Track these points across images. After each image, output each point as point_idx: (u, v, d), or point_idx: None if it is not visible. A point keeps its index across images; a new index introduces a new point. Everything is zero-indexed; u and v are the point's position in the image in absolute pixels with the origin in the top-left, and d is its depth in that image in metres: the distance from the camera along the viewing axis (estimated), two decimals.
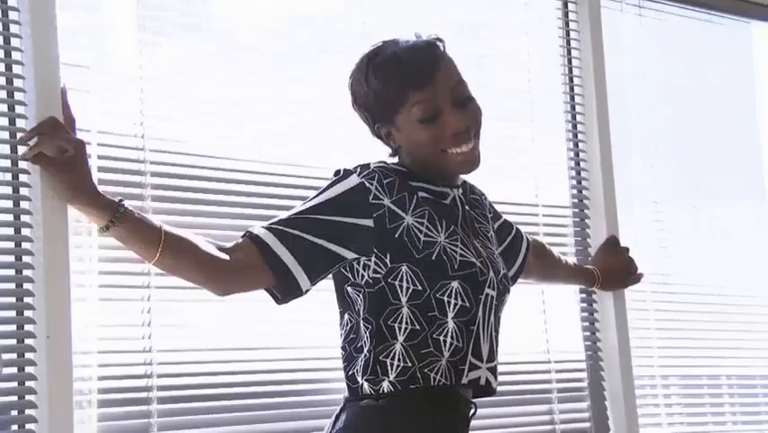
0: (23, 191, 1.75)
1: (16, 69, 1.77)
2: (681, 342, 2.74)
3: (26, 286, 1.74)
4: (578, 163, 2.58)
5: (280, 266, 1.67)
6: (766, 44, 3.12)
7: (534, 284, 2.35)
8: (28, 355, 1.73)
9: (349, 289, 1.73)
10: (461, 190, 1.82)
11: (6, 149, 1.76)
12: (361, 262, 1.70)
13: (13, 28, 1.78)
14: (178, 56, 2.02)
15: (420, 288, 1.68)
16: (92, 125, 1.84)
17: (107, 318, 1.83)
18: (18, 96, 1.77)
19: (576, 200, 2.56)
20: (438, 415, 1.69)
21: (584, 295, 2.53)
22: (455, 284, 1.69)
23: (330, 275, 1.73)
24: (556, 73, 2.59)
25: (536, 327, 2.43)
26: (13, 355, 1.73)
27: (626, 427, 2.49)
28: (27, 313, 1.74)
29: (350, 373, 1.71)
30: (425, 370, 1.67)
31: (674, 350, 2.72)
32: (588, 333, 2.52)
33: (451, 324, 1.69)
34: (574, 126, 2.59)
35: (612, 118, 2.60)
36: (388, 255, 1.68)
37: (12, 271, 1.75)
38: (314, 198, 1.71)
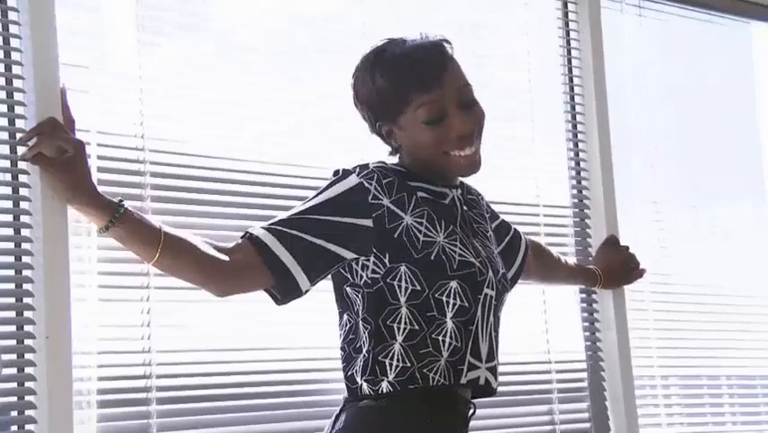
0: (23, 192, 1.75)
1: (16, 69, 1.77)
2: (680, 342, 2.74)
3: (26, 286, 1.74)
4: (578, 163, 2.58)
5: (280, 267, 1.67)
6: (766, 44, 3.12)
7: (535, 285, 2.35)
8: (28, 356, 1.73)
9: (348, 289, 1.72)
10: (459, 191, 1.82)
11: (6, 149, 1.76)
12: (360, 263, 1.69)
13: (13, 28, 1.78)
14: (177, 56, 2.01)
15: (419, 288, 1.68)
16: (91, 126, 1.84)
17: (107, 319, 1.83)
18: (17, 96, 1.77)
19: (576, 200, 2.56)
20: (437, 415, 1.69)
21: (584, 295, 2.52)
22: (454, 284, 1.69)
23: (329, 275, 1.73)
24: (556, 73, 2.58)
25: (537, 327, 2.43)
26: (13, 356, 1.73)
27: (626, 427, 2.49)
28: (27, 314, 1.74)
29: (349, 373, 1.71)
30: (424, 370, 1.67)
31: (674, 350, 2.72)
32: (588, 333, 2.52)
33: (450, 324, 1.69)
34: (574, 126, 2.59)
35: (612, 118, 2.60)
36: (387, 255, 1.68)
37: (11, 272, 1.75)
38: (313, 198, 1.71)
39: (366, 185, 1.70)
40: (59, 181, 1.66)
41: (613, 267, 2.44)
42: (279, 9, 2.18)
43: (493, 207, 2.06)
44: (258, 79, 2.09)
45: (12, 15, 1.78)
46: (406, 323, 1.68)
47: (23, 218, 1.75)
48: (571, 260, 2.43)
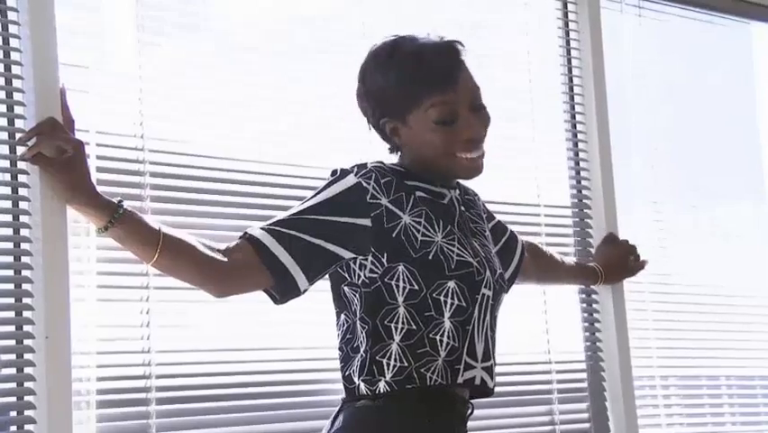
0: (22, 192, 1.75)
1: (15, 69, 1.77)
2: (680, 342, 2.74)
3: (25, 287, 1.74)
4: (578, 163, 2.57)
5: (278, 266, 1.67)
6: (766, 45, 3.12)
7: (536, 286, 2.35)
8: (27, 356, 1.73)
9: (345, 288, 1.72)
10: (457, 191, 1.82)
11: (5, 149, 1.76)
12: (358, 262, 1.69)
13: (12, 28, 1.78)
14: (177, 56, 2.01)
15: (417, 287, 1.68)
16: (91, 126, 1.83)
17: (106, 319, 1.83)
18: (17, 96, 1.76)
19: (576, 200, 2.56)
20: (435, 415, 1.69)
21: (584, 296, 2.52)
22: (452, 284, 1.69)
23: (327, 275, 1.73)
24: (556, 73, 2.58)
25: (537, 327, 2.43)
26: (12, 356, 1.73)
27: (626, 427, 2.49)
28: (26, 314, 1.74)
29: (346, 373, 1.71)
30: (422, 370, 1.67)
31: (674, 350, 2.72)
32: (588, 333, 2.52)
33: (447, 323, 1.69)
34: (574, 126, 2.59)
35: (612, 118, 2.60)
36: (386, 255, 1.68)
37: (11, 272, 1.75)
38: (311, 198, 1.71)
39: (364, 184, 1.70)
40: (59, 181, 1.66)
41: (613, 261, 2.44)
42: (279, 9, 2.18)
43: (493, 207, 2.06)
44: (258, 79, 2.09)
45: (11, 15, 1.78)
46: (403, 323, 1.68)
47: (23, 218, 1.75)
48: (570, 259, 2.43)
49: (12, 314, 1.74)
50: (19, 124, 1.75)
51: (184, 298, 1.87)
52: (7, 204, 1.75)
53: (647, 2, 2.82)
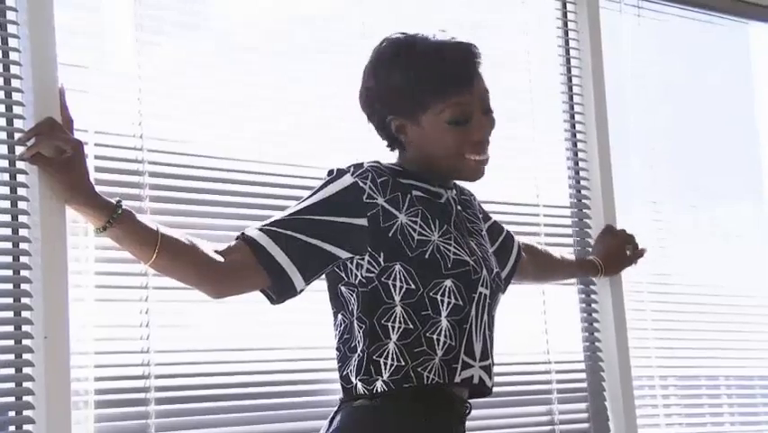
0: (21, 191, 1.75)
1: (14, 69, 1.77)
2: (679, 342, 2.74)
3: (24, 287, 1.74)
4: (577, 163, 2.58)
5: (275, 267, 1.66)
6: (764, 45, 3.12)
7: (535, 284, 2.35)
8: (26, 356, 1.72)
9: (342, 288, 1.72)
10: (454, 191, 1.82)
11: (4, 149, 1.75)
12: (355, 262, 1.69)
13: (11, 28, 1.78)
14: (176, 55, 2.01)
15: (413, 287, 1.68)
16: (90, 125, 1.83)
17: (105, 319, 1.83)
18: (16, 96, 1.76)
19: (575, 200, 2.56)
20: (432, 414, 1.69)
21: (584, 296, 2.53)
22: (449, 283, 1.69)
23: (324, 275, 1.72)
24: (555, 73, 2.59)
25: (536, 327, 2.43)
26: (11, 356, 1.73)
27: (625, 427, 2.49)
28: (25, 314, 1.73)
29: (344, 373, 1.71)
30: (419, 369, 1.67)
31: (673, 351, 2.72)
32: (587, 334, 2.52)
33: (444, 322, 1.69)
34: (573, 126, 2.59)
35: (611, 118, 2.60)
36: (382, 254, 1.68)
37: (9, 272, 1.75)
38: (307, 198, 1.71)
39: (360, 184, 1.70)
40: (58, 181, 1.66)
41: (611, 252, 2.45)
42: (279, 9, 2.17)
43: (493, 207, 2.06)
44: (257, 79, 2.09)
45: (10, 15, 1.78)
46: (400, 322, 1.68)
47: (22, 218, 1.75)
48: (568, 255, 2.43)
49: (11, 314, 1.74)
50: (18, 123, 1.75)
51: (183, 298, 1.86)
52: (6, 204, 1.75)
53: (646, 2, 2.82)
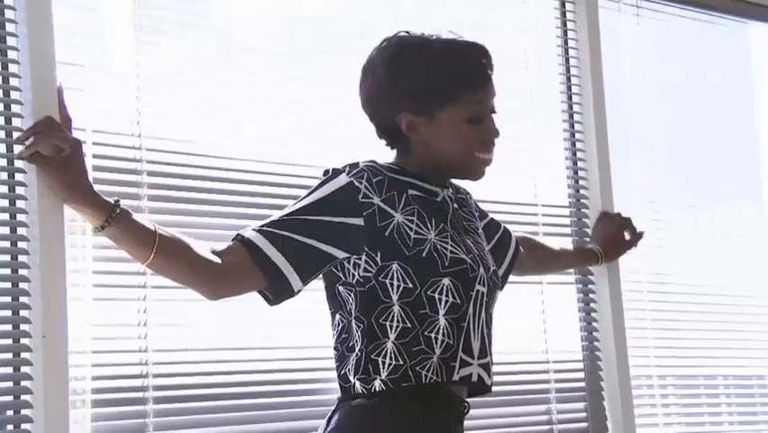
0: (20, 190, 1.75)
1: (12, 67, 1.77)
2: (678, 342, 2.74)
3: (22, 285, 1.74)
4: (575, 163, 2.58)
5: (272, 268, 1.66)
6: (764, 45, 3.12)
7: (535, 277, 2.36)
8: (24, 355, 1.73)
9: (340, 288, 1.72)
10: (450, 190, 1.83)
11: (3, 148, 1.76)
12: (352, 261, 1.69)
13: (10, 27, 1.78)
14: (175, 55, 2.01)
15: (411, 285, 1.68)
16: (88, 124, 1.83)
17: (103, 318, 1.83)
18: (14, 95, 1.76)
19: (574, 200, 2.56)
20: (430, 414, 1.69)
21: (582, 295, 2.53)
22: (446, 281, 1.69)
23: (321, 275, 1.73)
24: (554, 73, 2.59)
25: (534, 327, 2.43)
26: (9, 355, 1.73)
27: (624, 427, 2.49)
28: (23, 312, 1.73)
29: (342, 372, 1.71)
30: (417, 368, 1.67)
31: (671, 350, 2.72)
32: (585, 333, 2.52)
33: (442, 321, 1.69)
34: (572, 126, 2.59)
35: (610, 118, 2.60)
36: (379, 254, 1.68)
37: (8, 271, 1.75)
38: (303, 198, 1.71)
39: (356, 184, 1.70)
40: (56, 180, 1.66)
41: (610, 238, 2.45)
42: (279, 9, 2.17)
43: (491, 206, 2.06)
44: (257, 79, 2.09)
45: (8, 13, 1.78)
46: (398, 321, 1.68)
47: (20, 217, 1.75)
48: (567, 245, 2.44)
49: (9, 313, 1.74)
50: (16, 122, 1.75)
51: (181, 297, 1.86)
52: (4, 202, 1.75)
53: (645, 1, 2.82)
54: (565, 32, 2.61)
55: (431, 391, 1.69)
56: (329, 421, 1.70)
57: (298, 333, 2.02)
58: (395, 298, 1.68)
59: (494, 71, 1.77)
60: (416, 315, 1.68)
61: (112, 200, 1.64)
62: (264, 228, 1.68)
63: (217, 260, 1.66)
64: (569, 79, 2.60)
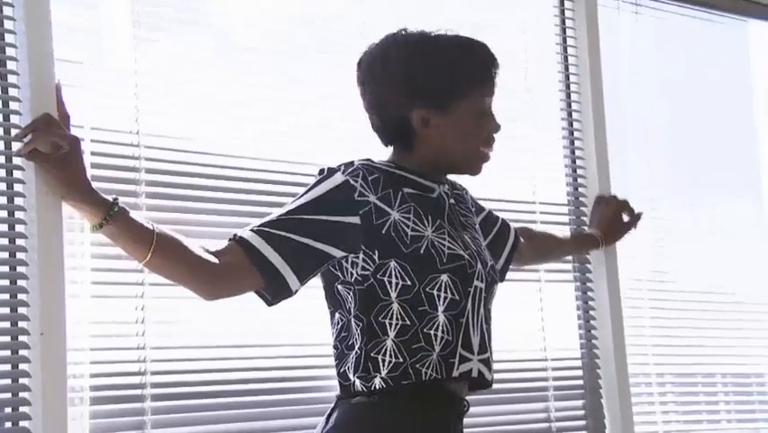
0: (18, 188, 1.74)
1: (10, 64, 1.77)
2: (676, 340, 2.74)
3: (20, 283, 1.74)
4: (574, 161, 2.58)
5: (269, 268, 1.66)
6: (763, 43, 3.12)
7: (534, 275, 2.37)
8: (22, 352, 1.72)
9: (339, 287, 1.72)
10: (446, 186, 1.83)
11: (1, 145, 1.75)
12: (350, 260, 1.69)
13: (8, 24, 1.77)
14: (173, 52, 2.01)
15: (409, 283, 1.68)
16: (86, 121, 1.83)
17: (101, 315, 1.83)
18: (12, 92, 1.76)
19: (572, 197, 2.56)
20: (430, 411, 1.69)
21: (580, 293, 2.53)
22: (444, 277, 1.69)
23: (319, 274, 1.73)
24: (553, 71, 2.58)
25: (533, 324, 2.43)
26: (7, 352, 1.73)
27: (622, 424, 2.49)
28: (21, 310, 1.73)
29: (341, 370, 1.72)
30: (417, 365, 1.67)
31: (669, 348, 2.72)
32: (584, 331, 2.52)
33: (441, 318, 1.69)
34: (570, 124, 2.59)
35: (608, 116, 2.60)
36: (377, 252, 1.68)
37: (6, 268, 1.74)
38: (299, 197, 1.71)
39: (352, 182, 1.70)
40: (54, 177, 1.66)
41: (608, 221, 2.45)
42: (279, 9, 2.17)
43: (490, 204, 2.06)
44: (256, 76, 2.08)
45: (6, 10, 1.77)
46: (397, 318, 1.68)
47: (18, 214, 1.75)
48: (566, 232, 2.44)
49: (7, 310, 1.74)
50: (14, 119, 1.75)
51: (179, 294, 1.85)
52: (2, 200, 1.75)
53: None
54: (564, 30, 2.61)
55: (430, 389, 1.69)
56: (328, 419, 1.71)
57: (296, 330, 2.02)
58: (393, 295, 1.68)
59: (499, 68, 1.79)
60: (414, 312, 1.68)
61: (110, 198, 1.64)
62: (260, 228, 1.68)
63: (214, 260, 1.66)
64: (567, 77, 2.59)
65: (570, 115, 2.59)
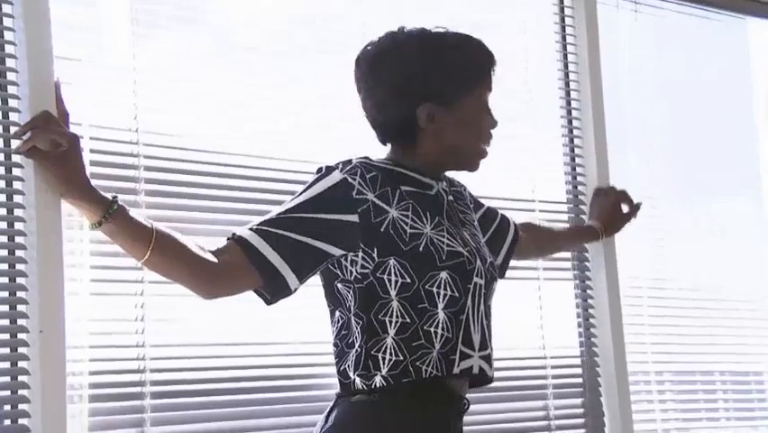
0: (17, 185, 1.74)
1: (10, 62, 1.77)
2: (675, 338, 2.74)
3: (19, 280, 1.74)
4: (573, 159, 2.58)
5: (268, 267, 1.66)
6: (762, 41, 3.12)
7: (533, 273, 2.37)
8: (21, 350, 1.72)
9: (339, 285, 1.72)
10: (444, 183, 1.83)
11: (0, 143, 1.75)
12: (349, 258, 1.69)
13: (7, 21, 1.77)
14: (172, 49, 2.01)
15: (409, 280, 1.68)
16: (85, 119, 1.83)
17: (100, 313, 1.83)
18: (11, 89, 1.76)
19: (572, 196, 2.56)
20: (430, 409, 1.69)
21: (579, 291, 2.53)
22: (444, 275, 1.69)
23: (318, 273, 1.73)
24: (552, 69, 2.58)
25: (532, 322, 2.43)
26: (6, 350, 1.73)
27: (621, 422, 2.49)
28: (20, 307, 1.73)
29: (341, 368, 1.71)
30: (417, 363, 1.67)
31: (669, 346, 2.73)
32: (583, 328, 2.52)
33: (441, 315, 1.69)
34: (570, 122, 2.59)
35: (608, 114, 2.60)
36: (375, 250, 1.68)
37: (5, 266, 1.74)
38: (297, 196, 1.71)
39: (350, 180, 1.70)
40: (53, 175, 1.66)
41: (608, 213, 2.45)
42: (279, 9, 2.17)
43: (489, 203, 2.06)
44: (255, 74, 2.08)
45: (5, 8, 1.77)
46: (397, 316, 1.68)
47: (17, 212, 1.75)
48: (565, 225, 2.45)
49: (6, 307, 1.73)
50: (13, 117, 1.75)
51: (178, 292, 1.85)
52: (2, 197, 1.75)
53: None
54: (563, 29, 2.61)
55: (431, 387, 1.69)
56: (327, 417, 1.71)
57: (296, 328, 2.02)
58: (393, 293, 1.68)
59: (496, 64, 1.80)
60: (414, 310, 1.68)
61: (109, 196, 1.63)
62: (259, 227, 1.68)
63: (213, 259, 1.65)
64: (567, 75, 2.59)
65: (569, 112, 2.59)
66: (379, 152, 1.82)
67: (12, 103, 1.76)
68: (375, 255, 1.68)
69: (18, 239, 1.74)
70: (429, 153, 1.76)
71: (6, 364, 1.73)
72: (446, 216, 1.78)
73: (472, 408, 1.78)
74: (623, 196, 2.48)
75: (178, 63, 2.00)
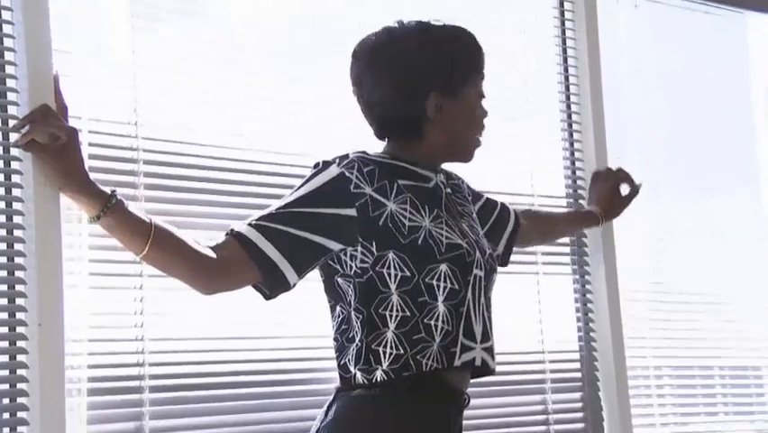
0: (16, 178, 1.74)
1: (8, 55, 1.76)
2: (673, 333, 2.75)
3: (18, 273, 1.74)
4: (573, 154, 2.57)
5: (266, 262, 1.66)
6: (761, 35, 3.12)
7: (532, 268, 2.37)
8: (19, 343, 1.72)
9: (339, 280, 1.72)
10: (442, 175, 1.83)
11: None
12: (348, 253, 1.69)
13: (6, 14, 1.77)
14: (172, 43, 2.01)
15: (408, 274, 1.68)
16: (84, 113, 1.83)
17: (99, 306, 1.83)
18: (10, 83, 1.76)
19: (571, 191, 2.56)
20: (430, 404, 1.69)
21: (578, 286, 2.53)
22: (444, 267, 1.69)
23: (317, 267, 1.72)
24: (552, 64, 2.58)
25: (531, 317, 2.43)
26: (5, 343, 1.72)
27: (619, 417, 2.50)
28: (19, 301, 1.73)
29: (342, 362, 1.71)
30: (418, 357, 1.67)
31: (667, 341, 2.73)
32: (582, 323, 2.52)
33: (441, 308, 1.69)
34: (569, 117, 2.59)
35: (607, 109, 2.60)
36: (374, 244, 1.68)
37: (4, 259, 1.74)
38: (295, 191, 1.71)
39: (347, 174, 1.70)
40: (52, 168, 1.65)
41: (607, 196, 2.42)
42: (279, 9, 2.17)
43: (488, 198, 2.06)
44: (256, 69, 2.08)
45: (4, 1, 1.77)
46: (397, 310, 1.68)
47: (16, 205, 1.74)
48: (565, 211, 2.45)
49: (5, 301, 1.73)
50: (12, 110, 1.75)
51: (178, 286, 1.85)
52: (0, 191, 1.75)
53: None
54: (563, 23, 2.60)
55: (431, 381, 1.69)
56: (327, 411, 1.70)
57: (295, 322, 2.02)
58: (393, 287, 1.68)
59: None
60: (414, 303, 1.68)
61: (108, 190, 1.63)
62: (257, 222, 1.68)
63: (212, 254, 1.65)
64: (567, 70, 2.59)
65: (569, 107, 2.59)
66: (377, 146, 1.82)
67: (10, 96, 1.75)
68: (374, 249, 1.68)
69: (17, 232, 1.74)
70: (436, 144, 1.77)
71: (5, 358, 1.72)
72: (445, 209, 1.77)
73: (471, 402, 1.78)
74: (623, 175, 2.45)
75: (178, 57, 2.00)
